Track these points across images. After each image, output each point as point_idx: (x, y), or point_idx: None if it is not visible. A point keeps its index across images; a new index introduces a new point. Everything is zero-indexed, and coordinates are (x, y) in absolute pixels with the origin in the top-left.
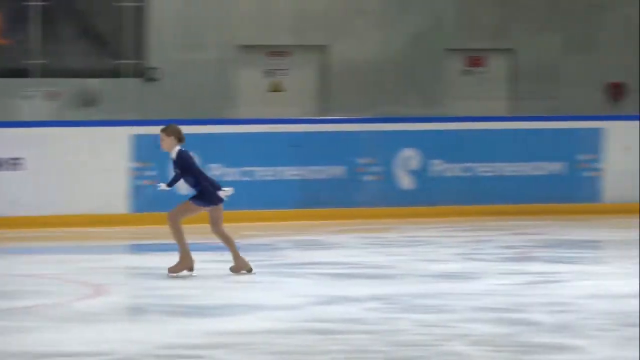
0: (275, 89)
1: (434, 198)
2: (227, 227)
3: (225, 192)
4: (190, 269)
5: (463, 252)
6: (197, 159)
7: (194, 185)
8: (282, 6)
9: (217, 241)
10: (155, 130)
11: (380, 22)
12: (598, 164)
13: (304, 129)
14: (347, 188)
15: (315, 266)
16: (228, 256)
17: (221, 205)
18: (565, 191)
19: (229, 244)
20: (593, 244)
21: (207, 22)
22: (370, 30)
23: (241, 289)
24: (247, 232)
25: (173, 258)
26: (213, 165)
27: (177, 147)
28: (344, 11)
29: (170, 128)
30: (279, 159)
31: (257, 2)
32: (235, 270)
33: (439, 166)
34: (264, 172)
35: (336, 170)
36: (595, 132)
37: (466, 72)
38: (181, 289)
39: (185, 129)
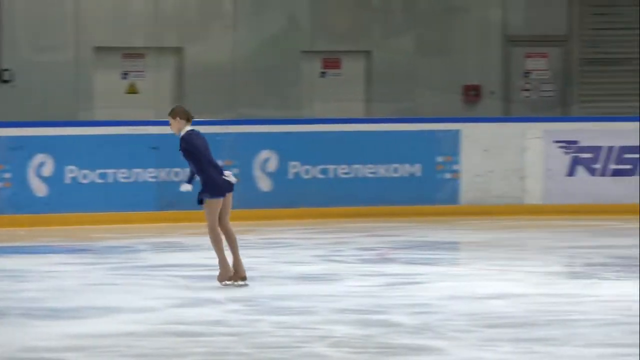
0: (131, 90)
1: (293, 200)
2: (81, 229)
3: (229, 178)
4: (230, 278)
5: (323, 254)
6: (51, 167)
7: (197, 172)
8: (137, 8)
9: (74, 243)
10: (9, 132)
11: (235, 25)
12: (455, 165)
13: (162, 130)
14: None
15: (175, 268)
16: (85, 258)
17: (229, 196)
18: (424, 193)
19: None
20: (451, 246)
21: (62, 23)
22: (225, 33)
23: (99, 292)
24: (104, 235)
25: (29, 260)
26: (68, 168)
27: (187, 128)
28: (198, 13)
29: (175, 110)
30: (136, 161)
31: (112, 3)
32: (232, 278)
33: (297, 168)
34: (121, 174)
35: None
36: (452, 134)
37: (323, 75)
38: (39, 292)
39: (39, 131)
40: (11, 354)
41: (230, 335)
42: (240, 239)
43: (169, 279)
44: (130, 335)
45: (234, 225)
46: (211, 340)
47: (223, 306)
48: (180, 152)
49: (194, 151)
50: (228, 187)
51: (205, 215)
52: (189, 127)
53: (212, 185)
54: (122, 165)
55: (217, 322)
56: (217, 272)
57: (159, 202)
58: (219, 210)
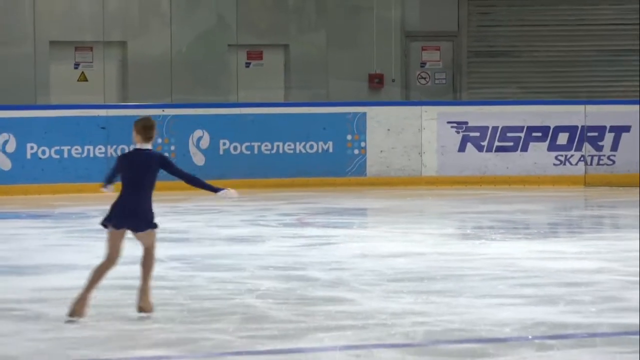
0: (82, 79)
1: (223, 172)
2: (41, 198)
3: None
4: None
5: (249, 219)
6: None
7: None
8: (85, 7)
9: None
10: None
11: (171, 22)
12: (362, 143)
13: (109, 113)
14: None
15: None
16: (44, 222)
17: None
18: (335, 167)
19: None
20: (360, 212)
21: (21, 20)
22: (163, 29)
23: (57, 252)
24: (60, 203)
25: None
26: (29, 145)
27: (138, 146)
28: (139, 12)
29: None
30: (87, 139)
31: (64, 3)
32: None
33: (226, 145)
34: (74, 151)
35: None
36: (360, 116)
37: (247, 65)
38: (4, 252)
39: (2, 114)
40: None
41: (170, 289)
42: (177, 206)
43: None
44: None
45: (172, 195)
46: (154, 292)
47: (164, 264)
48: None
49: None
50: (111, 217)
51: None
52: (139, 146)
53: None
54: (75, 143)
55: (159, 278)
56: (159, 235)
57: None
58: (118, 242)
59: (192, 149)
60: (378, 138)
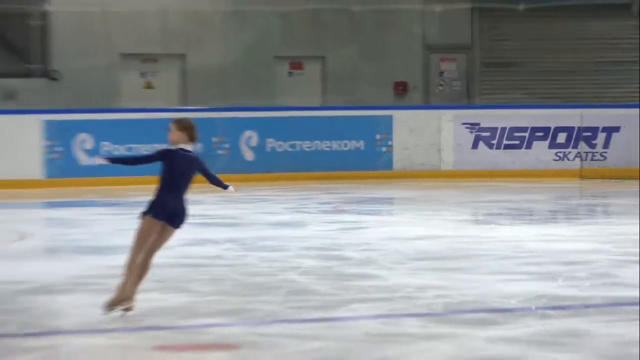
0: (147, 86)
1: (269, 167)
2: (114, 189)
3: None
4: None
5: (293, 207)
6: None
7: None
8: (151, 23)
9: (109, 199)
10: (58, 117)
11: (224, 37)
12: (389, 141)
13: (171, 116)
14: (205, 160)
15: None
16: (117, 210)
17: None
18: (366, 162)
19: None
20: (388, 201)
21: (96, 35)
22: (217, 43)
23: (129, 235)
24: (131, 193)
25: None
26: (103, 143)
27: (182, 146)
28: (196, 28)
29: (183, 122)
30: (152, 138)
31: (133, 20)
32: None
33: (272, 143)
34: (142, 148)
35: (198, 147)
36: (387, 118)
37: (290, 74)
38: (83, 235)
39: (80, 117)
40: (65, 279)
41: (226, 267)
42: (228, 196)
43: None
44: (152, 266)
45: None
46: (212, 269)
47: (220, 245)
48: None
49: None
50: (159, 212)
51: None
52: (183, 146)
53: (153, 203)
54: (142, 141)
55: (216, 257)
56: (214, 221)
57: None
58: (150, 232)
59: (243, 147)
60: (402, 137)
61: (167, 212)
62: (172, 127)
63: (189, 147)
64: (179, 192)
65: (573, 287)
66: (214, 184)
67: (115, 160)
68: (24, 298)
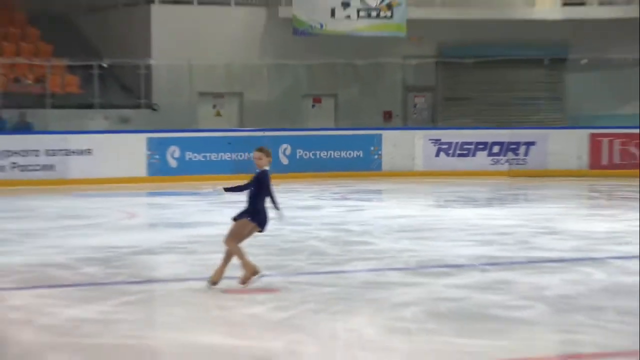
0: (217, 114)
1: (299, 170)
2: (192, 184)
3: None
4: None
5: (313, 196)
6: (178, 153)
7: (252, 197)
8: (220, 71)
9: (191, 190)
10: (156, 135)
11: (268, 81)
12: (380, 152)
13: (233, 134)
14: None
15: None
16: (195, 198)
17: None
18: (364, 165)
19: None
20: (378, 192)
21: (181, 79)
22: (263, 84)
23: (203, 215)
24: (204, 187)
25: (170, 199)
26: (187, 152)
27: (266, 167)
28: (249, 75)
29: (268, 151)
30: (221, 149)
31: (207, 69)
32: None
33: (300, 153)
34: (213, 156)
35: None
36: (378, 136)
37: (313, 106)
38: (173, 215)
39: (173, 135)
40: (159, 244)
41: (269, 237)
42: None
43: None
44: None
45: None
46: (257, 240)
47: None
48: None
49: (264, 184)
50: (265, 222)
51: (234, 228)
52: (267, 167)
53: (259, 214)
54: (213, 151)
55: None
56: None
57: (234, 171)
58: (246, 234)
59: (281, 155)
60: (389, 149)
61: (266, 221)
62: (261, 154)
63: (268, 167)
64: (267, 201)
65: (504, 250)
66: (231, 190)
67: (228, 189)
68: (130, 257)
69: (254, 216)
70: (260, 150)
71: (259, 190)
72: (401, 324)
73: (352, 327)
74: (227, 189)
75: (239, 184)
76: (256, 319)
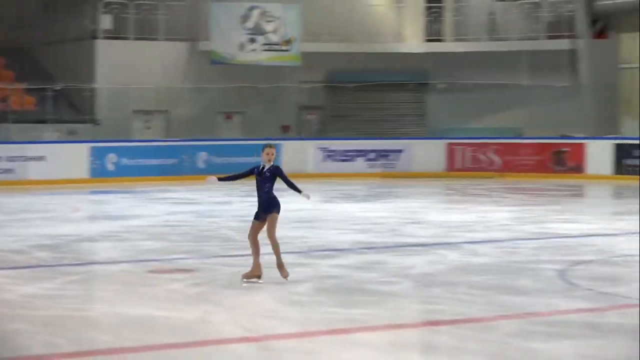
0: (148, 128)
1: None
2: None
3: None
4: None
5: (226, 194)
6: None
7: (270, 190)
8: (150, 94)
9: (126, 189)
10: (99, 144)
11: (189, 100)
12: (279, 157)
13: (161, 144)
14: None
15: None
16: (128, 195)
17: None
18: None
19: (276, 250)
20: (278, 190)
21: (120, 99)
22: (186, 104)
23: (136, 209)
24: (139, 185)
25: (108, 197)
26: (123, 159)
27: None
28: (174, 95)
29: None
30: (151, 156)
31: (138, 92)
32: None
33: (215, 160)
34: (145, 161)
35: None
36: (278, 145)
37: (225, 121)
38: (113, 209)
39: (113, 144)
40: (99, 233)
41: (187, 226)
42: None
43: (164, 205)
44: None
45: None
46: (178, 229)
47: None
48: (268, 172)
49: (282, 177)
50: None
51: (272, 224)
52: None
53: (278, 204)
54: (143, 158)
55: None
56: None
57: (161, 173)
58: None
59: (199, 161)
60: (288, 156)
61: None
62: (273, 150)
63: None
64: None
65: (377, 237)
66: (225, 180)
67: (222, 179)
68: (75, 244)
69: (278, 207)
70: (273, 147)
71: (274, 182)
72: (296, 297)
73: (255, 300)
74: (221, 179)
75: (232, 175)
76: (175, 293)
